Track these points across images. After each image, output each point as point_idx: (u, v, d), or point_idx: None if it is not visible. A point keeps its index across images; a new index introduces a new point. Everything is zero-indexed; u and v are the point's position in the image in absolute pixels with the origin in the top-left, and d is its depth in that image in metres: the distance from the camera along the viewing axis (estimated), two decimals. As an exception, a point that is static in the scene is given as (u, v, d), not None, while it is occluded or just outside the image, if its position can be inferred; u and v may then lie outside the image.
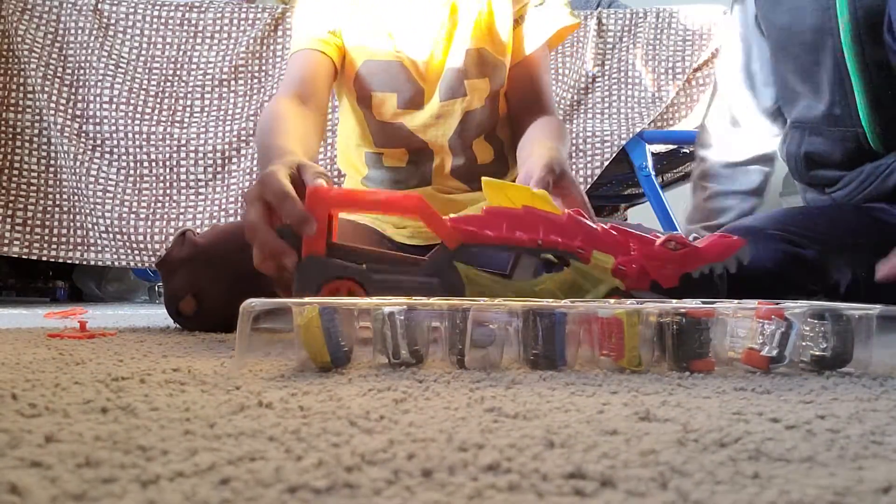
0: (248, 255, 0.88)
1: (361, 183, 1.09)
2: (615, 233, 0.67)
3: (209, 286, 0.87)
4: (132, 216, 1.64)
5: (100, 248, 1.64)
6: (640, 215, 2.08)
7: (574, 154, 1.68)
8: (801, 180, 1.25)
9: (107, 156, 1.65)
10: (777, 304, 0.56)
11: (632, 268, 0.65)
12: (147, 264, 1.64)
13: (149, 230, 1.63)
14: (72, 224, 1.65)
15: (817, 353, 0.55)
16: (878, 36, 1.00)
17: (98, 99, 1.66)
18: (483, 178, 0.73)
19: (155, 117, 1.67)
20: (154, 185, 1.66)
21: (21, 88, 1.65)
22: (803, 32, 1.10)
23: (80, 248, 1.65)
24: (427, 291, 0.65)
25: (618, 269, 0.66)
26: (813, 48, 1.09)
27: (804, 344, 0.55)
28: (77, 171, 1.64)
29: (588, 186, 1.67)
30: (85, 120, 1.66)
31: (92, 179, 1.64)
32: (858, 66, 1.04)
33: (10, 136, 1.64)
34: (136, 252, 1.62)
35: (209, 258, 0.88)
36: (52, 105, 1.64)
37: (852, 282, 0.99)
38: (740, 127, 1.28)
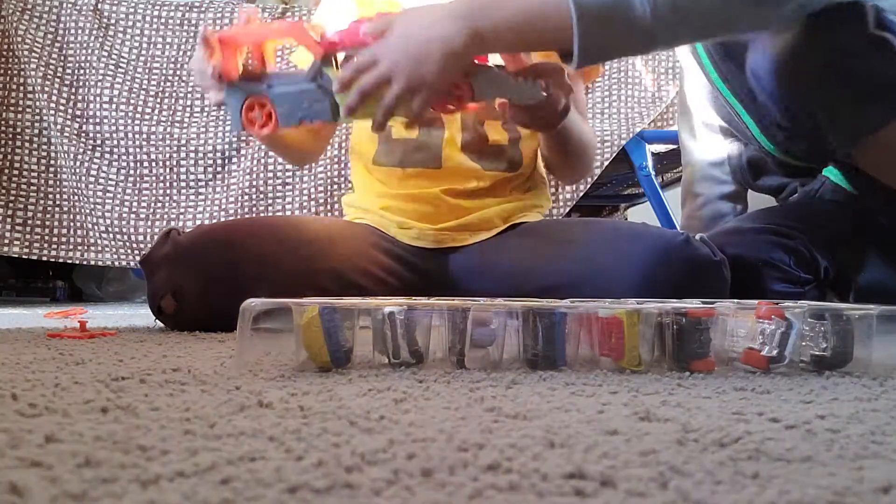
0: (227, 254, 0.88)
1: (373, 162, 1.07)
2: None
3: (187, 285, 0.86)
4: (132, 216, 1.64)
5: (100, 248, 1.64)
6: (641, 215, 2.08)
7: (574, 154, 1.67)
8: (751, 188, 1.23)
9: (107, 156, 1.65)
10: (777, 304, 0.55)
11: None
12: (147, 264, 1.64)
13: (149, 230, 1.63)
14: (72, 224, 1.65)
15: (817, 353, 0.55)
16: (739, 66, 0.99)
17: (98, 99, 1.66)
18: None
19: (155, 117, 1.67)
20: (154, 185, 1.66)
21: (21, 88, 1.65)
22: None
23: (80, 248, 1.65)
24: (313, 95, 0.80)
25: None
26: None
27: (804, 344, 0.55)
28: (77, 171, 1.63)
29: (588, 186, 1.67)
30: (85, 120, 1.66)
31: (92, 179, 1.64)
32: (729, 91, 1.04)
33: (10, 136, 1.64)
34: (136, 252, 1.62)
35: (188, 257, 0.87)
36: (52, 105, 1.64)
37: (837, 269, 1.00)
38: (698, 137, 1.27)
